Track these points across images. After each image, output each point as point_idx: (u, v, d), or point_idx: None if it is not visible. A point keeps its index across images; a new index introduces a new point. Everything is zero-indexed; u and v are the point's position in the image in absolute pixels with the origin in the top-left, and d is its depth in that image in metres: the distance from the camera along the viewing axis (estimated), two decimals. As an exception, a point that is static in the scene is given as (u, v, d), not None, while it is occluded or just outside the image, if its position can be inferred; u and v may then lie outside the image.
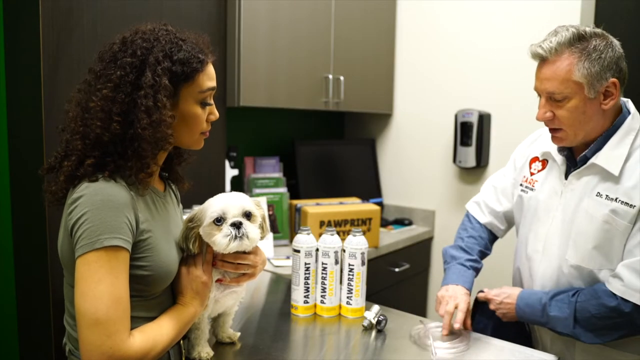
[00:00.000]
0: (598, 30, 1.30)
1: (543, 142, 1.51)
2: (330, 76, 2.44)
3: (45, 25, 1.44)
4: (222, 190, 2.11)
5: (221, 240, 1.08)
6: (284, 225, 2.35)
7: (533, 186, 1.49)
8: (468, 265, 1.55)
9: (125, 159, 1.02)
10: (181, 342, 1.18)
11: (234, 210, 1.09)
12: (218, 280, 1.17)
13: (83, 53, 1.53)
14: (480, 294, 1.54)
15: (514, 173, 1.60)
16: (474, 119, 2.49)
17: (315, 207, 2.23)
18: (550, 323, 1.36)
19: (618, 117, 1.34)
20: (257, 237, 1.12)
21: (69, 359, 1.11)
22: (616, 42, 1.30)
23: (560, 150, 1.43)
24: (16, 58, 1.57)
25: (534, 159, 1.52)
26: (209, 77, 1.09)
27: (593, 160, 1.33)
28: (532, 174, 1.51)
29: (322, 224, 2.18)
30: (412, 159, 2.85)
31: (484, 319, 1.56)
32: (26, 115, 1.55)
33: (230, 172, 2.24)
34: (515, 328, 1.51)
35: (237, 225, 1.09)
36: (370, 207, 2.33)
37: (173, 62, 1.03)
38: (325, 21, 2.40)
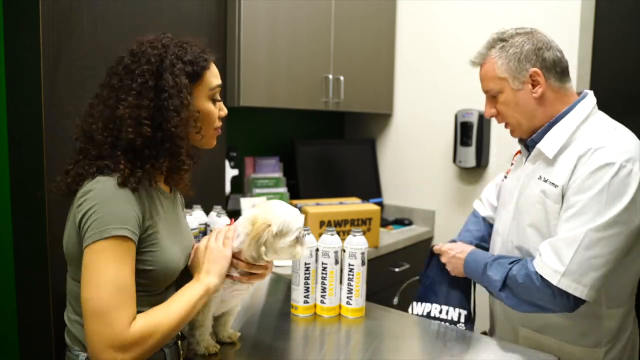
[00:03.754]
0: (525, 29, 1.42)
1: None
2: (330, 76, 2.44)
3: (45, 25, 1.44)
4: (222, 190, 2.11)
5: (306, 252, 1.25)
6: (284, 225, 2.34)
7: (507, 174, 1.61)
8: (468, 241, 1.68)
9: (159, 161, 1.08)
10: (179, 342, 1.19)
11: (301, 224, 1.19)
12: (228, 276, 1.18)
13: (83, 53, 1.53)
14: (436, 247, 1.65)
15: None
16: (474, 119, 2.49)
17: (315, 207, 2.23)
18: (485, 282, 1.46)
19: (570, 106, 1.41)
20: None
21: (66, 355, 1.12)
22: (540, 37, 1.40)
23: (520, 139, 1.52)
24: (16, 58, 1.57)
25: (517, 152, 1.61)
26: (215, 75, 1.16)
27: (538, 145, 1.41)
28: (512, 164, 1.62)
29: (322, 224, 2.18)
30: (412, 159, 2.85)
31: (436, 275, 1.64)
32: (26, 115, 1.55)
33: (230, 172, 2.24)
34: (463, 287, 1.61)
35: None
36: (370, 207, 2.33)
37: (184, 63, 1.09)
38: (325, 21, 2.40)
